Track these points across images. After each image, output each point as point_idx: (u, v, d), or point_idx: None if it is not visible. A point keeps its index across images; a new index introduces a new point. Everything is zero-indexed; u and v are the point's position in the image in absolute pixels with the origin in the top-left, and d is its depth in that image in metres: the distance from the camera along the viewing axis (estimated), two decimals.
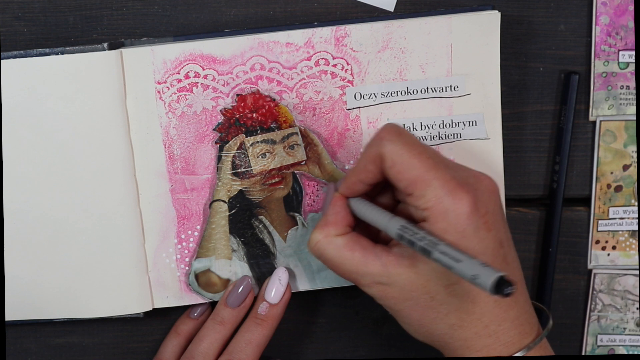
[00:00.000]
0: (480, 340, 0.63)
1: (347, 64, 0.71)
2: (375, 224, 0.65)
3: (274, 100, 0.71)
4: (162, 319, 0.76)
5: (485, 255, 0.61)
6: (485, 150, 0.72)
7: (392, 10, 0.72)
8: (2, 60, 0.69)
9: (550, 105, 0.75)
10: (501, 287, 0.55)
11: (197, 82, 0.71)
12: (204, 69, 0.70)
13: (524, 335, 0.64)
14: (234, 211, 0.73)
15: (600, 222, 0.77)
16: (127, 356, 0.77)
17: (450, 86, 0.71)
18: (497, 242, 0.62)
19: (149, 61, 0.70)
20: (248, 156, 0.72)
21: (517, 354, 0.63)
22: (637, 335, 0.78)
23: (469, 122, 0.72)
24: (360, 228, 0.67)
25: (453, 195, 0.61)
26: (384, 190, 0.68)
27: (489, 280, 0.55)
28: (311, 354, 0.79)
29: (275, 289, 0.72)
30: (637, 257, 0.77)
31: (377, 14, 0.72)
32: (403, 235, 0.62)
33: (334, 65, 0.71)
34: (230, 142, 0.72)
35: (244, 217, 0.73)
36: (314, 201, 0.73)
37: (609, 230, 0.77)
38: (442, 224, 0.61)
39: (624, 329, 0.78)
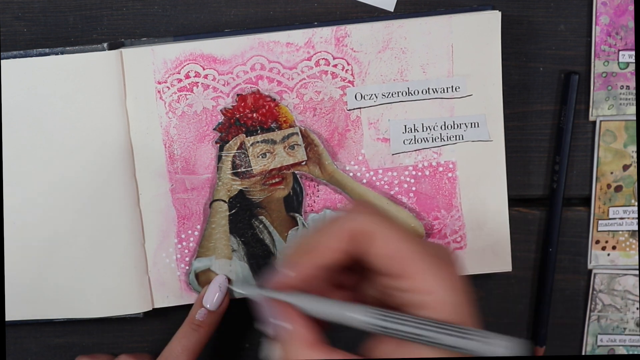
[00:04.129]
0: None
1: (348, 64, 0.71)
2: (332, 318, 0.57)
3: (274, 100, 0.71)
4: (162, 319, 0.76)
5: (469, 320, 0.55)
6: (488, 152, 0.72)
7: (392, 10, 0.72)
8: (2, 60, 0.69)
9: (550, 105, 0.75)
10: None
11: (198, 82, 0.71)
12: (204, 69, 0.70)
13: None
14: (234, 211, 0.73)
15: (600, 222, 0.77)
16: None
17: (452, 87, 0.71)
18: (469, 303, 0.56)
19: (149, 61, 0.70)
20: (248, 156, 0.72)
21: None
22: (637, 335, 0.79)
23: (471, 123, 0.72)
24: (304, 327, 0.58)
25: (440, 273, 0.54)
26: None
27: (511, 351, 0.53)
28: None
29: (215, 296, 0.72)
30: (637, 257, 0.77)
31: (377, 14, 0.72)
32: (385, 327, 0.55)
33: (335, 66, 0.71)
34: (231, 141, 0.72)
35: (244, 217, 0.73)
36: (314, 202, 0.73)
37: (609, 230, 0.77)
38: (433, 304, 0.54)
39: (624, 329, 0.79)
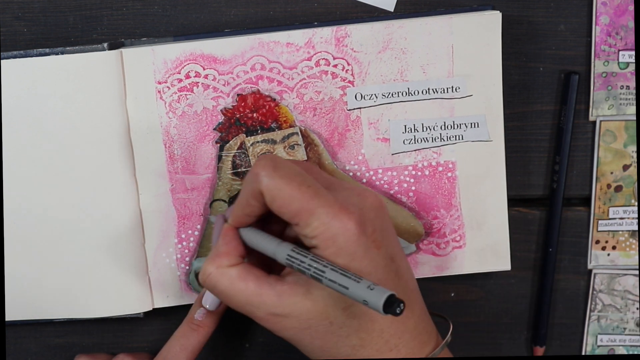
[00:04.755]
0: (382, 355, 0.63)
1: (348, 64, 0.71)
2: (265, 252, 0.64)
3: (275, 100, 0.71)
4: (162, 319, 0.76)
5: (377, 272, 0.61)
6: (488, 152, 0.72)
7: (392, 10, 0.72)
8: (2, 60, 0.68)
9: (550, 105, 0.75)
10: (392, 305, 0.56)
11: (198, 82, 0.71)
12: (204, 69, 0.70)
13: (424, 345, 0.64)
14: None
15: (600, 222, 0.77)
16: None
17: (452, 87, 0.71)
18: (388, 258, 0.62)
19: (150, 61, 0.70)
20: (248, 156, 0.72)
21: None
22: (637, 335, 0.79)
23: (471, 123, 0.72)
24: (258, 258, 0.65)
25: (339, 219, 0.60)
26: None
27: (379, 303, 0.55)
28: None
29: (213, 297, 0.70)
30: (637, 257, 0.77)
31: (377, 14, 0.72)
32: (291, 264, 0.61)
33: (335, 66, 0.71)
34: (231, 141, 0.72)
35: None
36: None
37: (609, 230, 0.77)
38: (332, 249, 0.60)
39: (624, 329, 0.79)
